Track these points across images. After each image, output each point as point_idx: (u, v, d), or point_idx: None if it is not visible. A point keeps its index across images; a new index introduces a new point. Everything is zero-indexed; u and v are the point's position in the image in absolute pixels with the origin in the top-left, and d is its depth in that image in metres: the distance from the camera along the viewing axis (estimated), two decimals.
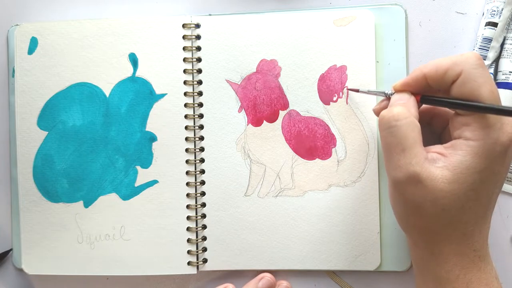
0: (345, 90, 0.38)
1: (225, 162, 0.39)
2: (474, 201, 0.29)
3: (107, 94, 0.40)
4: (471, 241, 0.30)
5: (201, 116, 0.39)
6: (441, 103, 0.31)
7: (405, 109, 0.30)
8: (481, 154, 0.28)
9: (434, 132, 0.36)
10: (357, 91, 0.37)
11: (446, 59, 0.30)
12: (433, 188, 0.29)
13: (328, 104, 0.39)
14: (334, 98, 0.38)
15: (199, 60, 0.39)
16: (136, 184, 0.40)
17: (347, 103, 0.38)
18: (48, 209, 0.40)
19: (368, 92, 0.37)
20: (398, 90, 0.33)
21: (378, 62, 0.38)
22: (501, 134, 0.29)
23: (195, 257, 0.39)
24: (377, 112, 0.35)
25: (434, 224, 0.30)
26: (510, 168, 0.38)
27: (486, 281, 0.30)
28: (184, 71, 0.40)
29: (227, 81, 0.39)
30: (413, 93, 0.32)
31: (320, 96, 0.39)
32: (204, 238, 0.39)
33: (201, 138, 0.39)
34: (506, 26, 0.37)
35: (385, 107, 0.33)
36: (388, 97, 0.34)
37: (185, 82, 0.40)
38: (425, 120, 0.35)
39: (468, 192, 0.29)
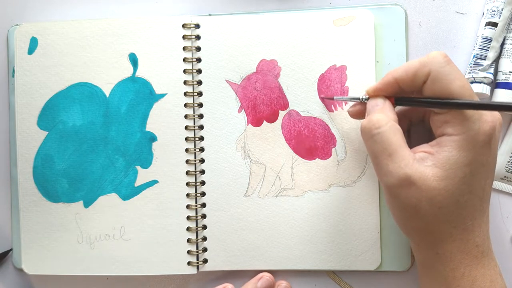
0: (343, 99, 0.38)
1: (225, 162, 0.39)
2: (468, 195, 0.30)
3: (107, 94, 0.40)
4: (472, 236, 0.30)
5: (201, 116, 0.39)
6: (415, 103, 0.32)
7: (383, 115, 0.31)
8: (466, 147, 0.29)
9: (427, 128, 0.36)
10: (332, 98, 0.38)
11: (414, 62, 0.31)
12: (426, 187, 0.29)
13: (329, 106, 0.39)
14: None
15: (199, 60, 0.39)
16: (136, 184, 0.40)
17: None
18: (48, 209, 0.40)
19: (343, 99, 0.37)
20: (371, 95, 0.33)
21: (378, 62, 0.38)
22: (481, 124, 0.29)
23: (195, 257, 0.39)
24: (351, 114, 0.36)
25: (434, 224, 0.30)
26: (510, 167, 0.38)
27: (491, 278, 0.30)
28: (184, 71, 0.40)
29: (227, 81, 0.39)
30: (387, 97, 0.33)
31: (320, 96, 0.39)
32: (204, 238, 0.39)
33: (201, 138, 0.39)
34: (506, 26, 0.37)
35: (360, 110, 0.35)
36: (362, 102, 0.34)
37: (185, 82, 0.40)
38: (418, 118, 0.36)
39: (461, 186, 0.29)
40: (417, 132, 0.36)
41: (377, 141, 0.30)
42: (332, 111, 0.38)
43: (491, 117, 0.30)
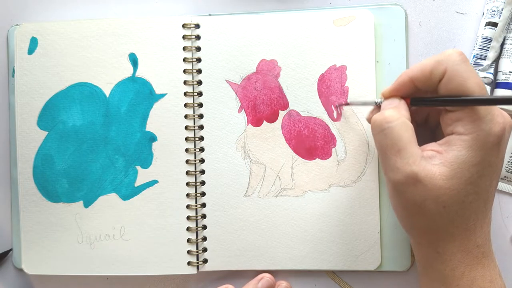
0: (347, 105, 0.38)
1: (225, 162, 0.39)
2: (473, 195, 0.29)
3: (107, 94, 0.40)
4: (473, 236, 0.30)
5: (201, 116, 0.39)
6: (431, 103, 0.32)
7: (395, 111, 0.31)
8: (476, 147, 0.29)
9: (429, 127, 0.36)
10: (347, 104, 0.38)
11: (429, 60, 0.30)
12: (432, 186, 0.29)
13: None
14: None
15: (199, 60, 0.39)
16: (136, 184, 0.40)
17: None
18: (48, 209, 0.40)
19: (358, 104, 0.37)
20: (387, 97, 0.33)
21: (378, 62, 0.38)
22: (492, 125, 0.29)
23: (195, 257, 0.39)
24: (370, 120, 0.35)
25: (437, 223, 0.30)
26: (510, 167, 0.38)
27: (490, 278, 0.30)
28: (184, 71, 0.40)
29: (227, 81, 0.39)
30: (403, 97, 0.32)
31: (320, 96, 0.39)
32: (204, 238, 0.39)
33: (201, 138, 0.39)
34: (506, 26, 0.37)
35: None
36: (378, 105, 0.34)
37: (185, 82, 0.40)
38: (422, 118, 0.36)
39: (467, 186, 0.29)
40: (419, 132, 0.36)
41: (387, 135, 0.30)
42: (334, 119, 0.38)
43: (502, 118, 0.29)
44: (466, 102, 0.29)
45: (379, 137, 0.31)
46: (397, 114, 0.30)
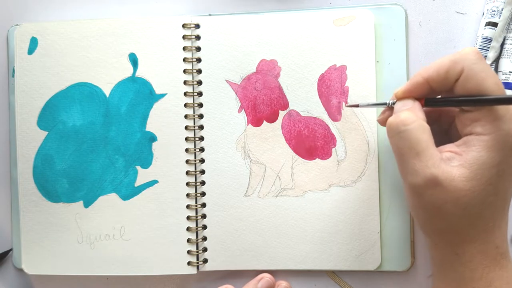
0: (345, 105, 0.38)
1: (225, 162, 0.39)
2: (493, 196, 0.29)
3: (107, 94, 0.40)
4: (492, 237, 0.30)
5: (201, 116, 0.39)
6: (446, 103, 0.31)
7: (412, 113, 0.30)
8: (495, 148, 0.28)
9: (441, 128, 0.35)
10: (356, 106, 0.37)
11: (445, 59, 0.30)
12: (452, 188, 0.28)
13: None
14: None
15: (199, 60, 0.39)
16: (136, 184, 0.40)
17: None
18: (48, 209, 0.40)
19: (369, 105, 0.36)
20: (400, 98, 0.32)
21: (378, 62, 0.38)
22: (511, 125, 0.28)
23: (195, 257, 0.39)
24: (381, 122, 0.34)
25: (456, 224, 0.30)
26: None
27: (507, 280, 0.30)
28: (184, 71, 0.40)
29: (227, 81, 0.39)
30: (416, 98, 0.32)
31: (320, 96, 0.39)
32: (204, 238, 0.39)
33: (201, 138, 0.39)
34: (506, 26, 0.37)
35: (389, 116, 0.33)
36: (389, 107, 0.33)
37: (185, 82, 0.40)
38: (433, 118, 0.35)
39: (487, 187, 0.29)
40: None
41: (404, 138, 0.30)
42: (334, 119, 0.38)
43: None
44: (484, 102, 0.28)
45: (395, 140, 0.30)
46: (414, 116, 0.30)
